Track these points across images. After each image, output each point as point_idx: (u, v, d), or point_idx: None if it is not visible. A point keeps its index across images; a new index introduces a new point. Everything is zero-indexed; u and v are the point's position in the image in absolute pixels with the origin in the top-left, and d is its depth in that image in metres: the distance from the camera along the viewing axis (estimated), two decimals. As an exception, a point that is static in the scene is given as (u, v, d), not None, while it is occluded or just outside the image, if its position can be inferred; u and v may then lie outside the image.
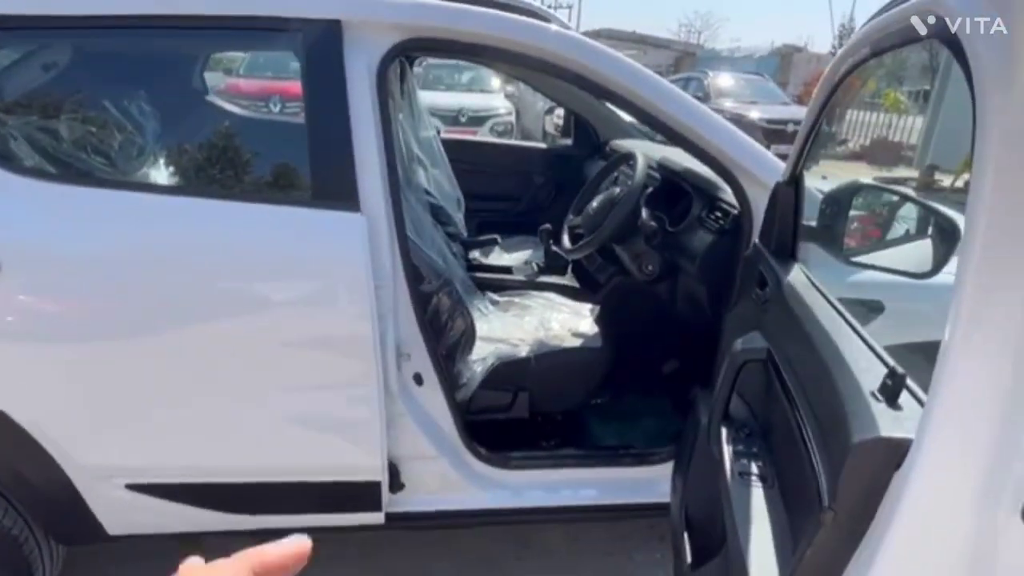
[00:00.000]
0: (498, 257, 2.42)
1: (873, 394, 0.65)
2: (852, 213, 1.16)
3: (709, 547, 1.08)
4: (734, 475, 0.97)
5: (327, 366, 1.35)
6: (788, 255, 1.23)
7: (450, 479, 1.56)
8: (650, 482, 1.69)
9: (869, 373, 0.70)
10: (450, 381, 1.57)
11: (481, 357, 1.74)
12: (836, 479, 0.61)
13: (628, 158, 1.87)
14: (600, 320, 1.91)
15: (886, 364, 0.71)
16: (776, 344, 1.06)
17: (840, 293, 1.06)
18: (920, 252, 1.07)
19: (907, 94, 11.77)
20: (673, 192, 1.87)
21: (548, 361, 1.72)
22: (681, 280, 1.73)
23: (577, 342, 1.80)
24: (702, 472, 1.26)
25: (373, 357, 1.32)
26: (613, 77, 1.39)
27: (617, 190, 1.80)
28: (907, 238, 1.18)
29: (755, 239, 1.36)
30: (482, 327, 1.84)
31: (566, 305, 2.00)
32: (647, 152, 1.85)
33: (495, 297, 2.05)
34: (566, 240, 1.95)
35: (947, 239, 1.05)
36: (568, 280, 2.20)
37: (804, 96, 14.11)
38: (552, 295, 2.07)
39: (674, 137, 1.44)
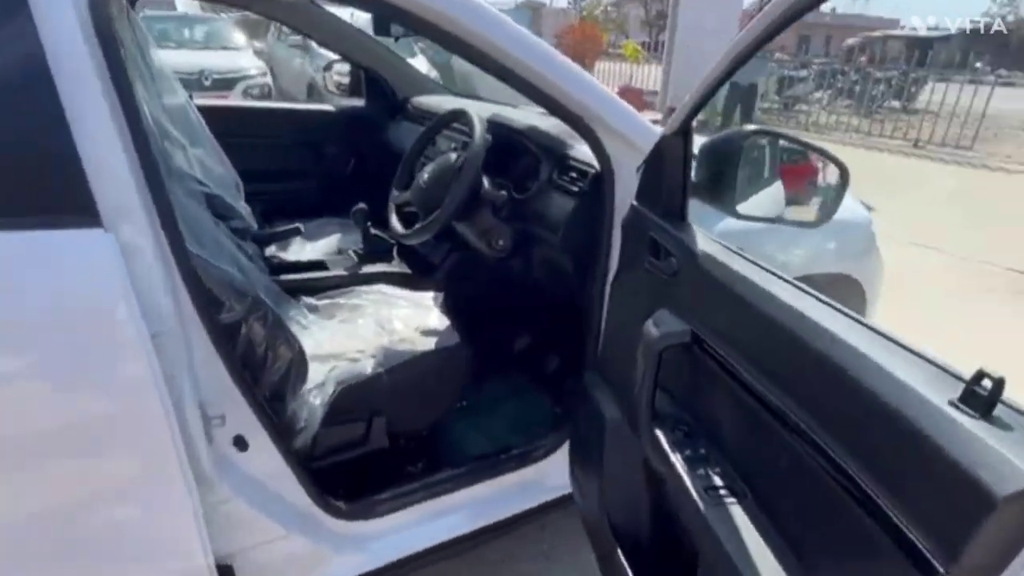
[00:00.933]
0: (301, 250, 1.97)
1: (958, 407, 0.51)
2: (743, 163, 1.05)
3: (665, 571, 0.92)
4: (699, 492, 0.81)
5: (97, 466, 0.88)
6: (678, 217, 1.09)
7: (307, 556, 1.20)
8: (538, 482, 1.51)
9: (919, 374, 0.56)
10: (284, 432, 1.18)
11: (317, 384, 1.36)
12: (954, 536, 0.46)
13: (457, 117, 1.59)
14: (448, 309, 1.64)
15: (934, 363, 0.57)
16: (706, 325, 0.91)
17: (750, 253, 0.94)
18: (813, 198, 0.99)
19: (641, 44, 13.15)
20: (510, 154, 1.64)
21: (402, 373, 1.41)
22: (538, 252, 1.54)
23: (430, 341, 1.51)
24: (625, 477, 1.10)
25: (168, 436, 0.89)
26: (442, 10, 1.08)
27: (453, 156, 1.51)
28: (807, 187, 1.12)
29: (632, 201, 1.20)
30: (307, 344, 1.45)
31: (404, 297, 1.68)
32: (475, 109, 1.58)
33: (312, 302, 1.64)
34: (396, 223, 1.61)
35: (839, 183, 0.99)
36: (397, 266, 1.87)
37: (558, 47, 14.94)
38: (384, 287, 1.73)
39: (518, 83, 1.19)
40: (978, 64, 13.53)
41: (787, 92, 12.05)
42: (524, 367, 1.88)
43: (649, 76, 12.18)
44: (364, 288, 1.71)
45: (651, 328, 0.99)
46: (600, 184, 1.33)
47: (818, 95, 11.78)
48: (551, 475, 1.50)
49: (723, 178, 1.06)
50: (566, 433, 1.50)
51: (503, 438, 1.59)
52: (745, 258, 0.90)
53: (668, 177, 1.06)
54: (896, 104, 11.93)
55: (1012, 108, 10.25)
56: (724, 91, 8.64)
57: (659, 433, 0.93)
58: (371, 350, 1.46)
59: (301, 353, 1.27)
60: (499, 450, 1.52)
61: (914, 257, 4.37)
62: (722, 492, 0.79)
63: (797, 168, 1.44)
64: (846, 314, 0.70)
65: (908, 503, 0.52)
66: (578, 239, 1.38)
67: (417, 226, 1.48)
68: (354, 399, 1.35)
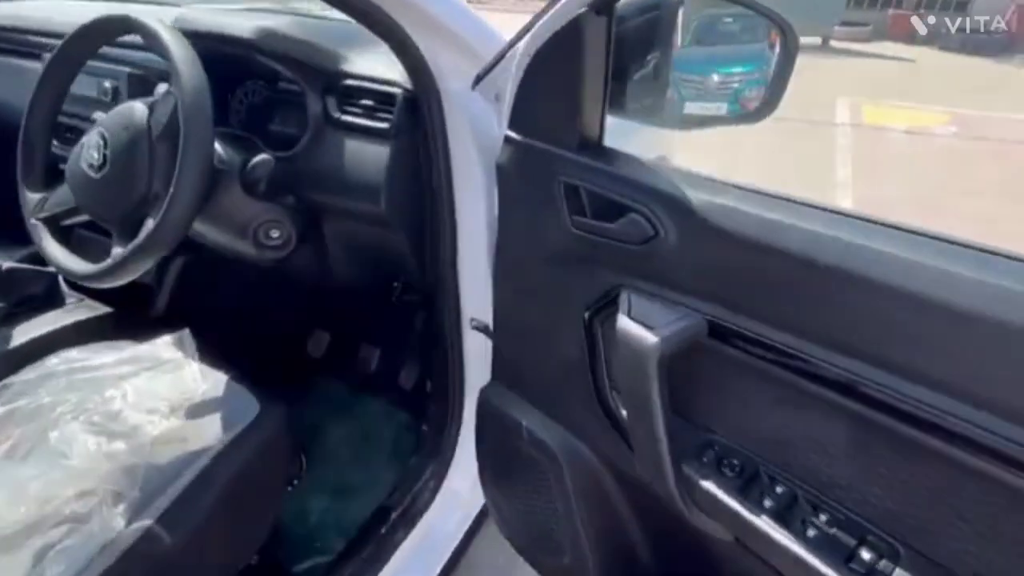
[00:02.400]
0: None
1: None
2: (680, 44, 0.70)
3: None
4: (838, 570, 0.53)
5: None
6: (596, 143, 0.71)
7: None
8: (432, 538, 1.12)
9: None
10: None
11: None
12: None
13: (115, 29, 0.86)
14: (208, 351, 1.03)
15: None
16: (738, 309, 0.59)
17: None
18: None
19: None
20: (237, 86, 1.00)
21: (183, 511, 0.82)
22: (343, 233, 1.00)
23: (210, 424, 0.92)
24: (627, 542, 0.78)
25: None
26: None
27: (141, 110, 0.81)
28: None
29: (505, 130, 0.77)
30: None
31: (127, 360, 0.99)
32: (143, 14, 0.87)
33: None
34: (58, 252, 0.86)
35: (783, 54, 0.72)
36: (79, 308, 1.11)
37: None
38: (71, 355, 1.00)
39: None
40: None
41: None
42: (363, 391, 1.39)
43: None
44: (31, 368, 0.96)
45: (636, 330, 0.63)
46: (419, 113, 0.86)
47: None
48: (446, 517, 1.13)
49: (653, 71, 0.70)
50: (446, 454, 1.12)
51: (370, 503, 1.12)
52: (770, 195, 0.59)
53: (581, 82, 0.66)
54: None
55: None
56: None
57: (707, 485, 0.62)
58: (107, 485, 0.82)
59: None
60: (373, 522, 1.06)
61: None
62: (867, 557, 0.54)
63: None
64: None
65: None
66: (414, 204, 0.91)
67: (118, 254, 0.79)
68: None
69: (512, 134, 0.76)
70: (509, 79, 0.74)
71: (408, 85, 0.86)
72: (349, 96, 0.91)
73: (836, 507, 0.58)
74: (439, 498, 1.11)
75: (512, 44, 0.73)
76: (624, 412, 0.72)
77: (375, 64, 0.91)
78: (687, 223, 0.61)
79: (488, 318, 0.97)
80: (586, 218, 0.70)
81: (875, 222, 0.54)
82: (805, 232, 0.55)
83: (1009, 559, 0.49)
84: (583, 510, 0.81)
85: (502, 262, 0.84)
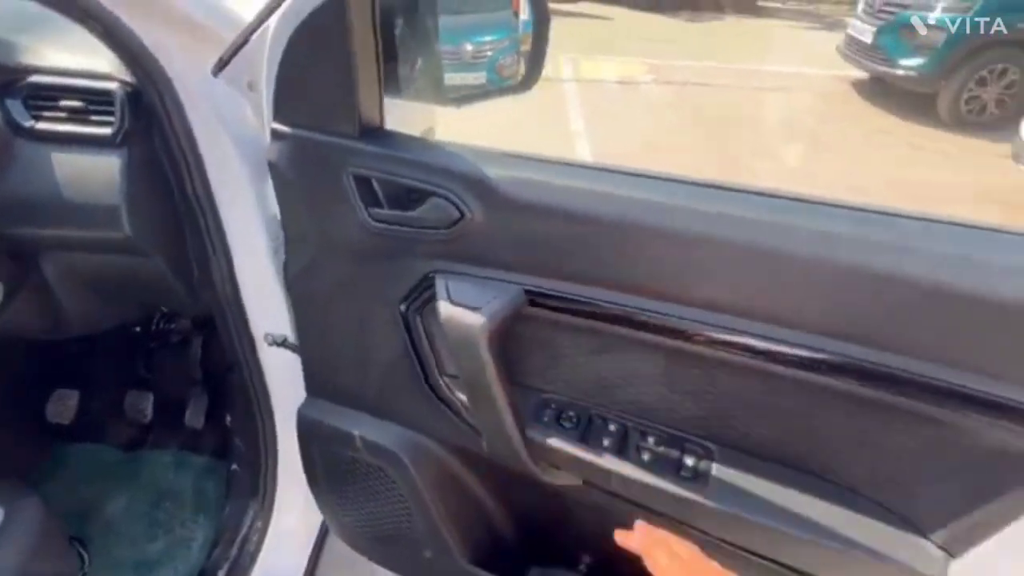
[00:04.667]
0: None
1: None
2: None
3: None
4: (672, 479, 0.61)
5: None
6: (378, 127, 0.67)
7: None
8: None
9: None
10: None
11: None
12: None
13: None
14: None
15: None
16: (554, 275, 0.62)
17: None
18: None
19: None
20: None
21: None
22: (74, 268, 0.79)
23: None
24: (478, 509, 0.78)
25: None
26: None
27: None
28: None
29: (269, 121, 0.67)
30: None
31: None
32: None
33: None
34: None
35: (536, 26, 0.75)
36: None
37: None
38: None
39: None
40: None
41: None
42: (139, 446, 1.15)
43: None
44: None
45: (460, 313, 0.63)
46: (150, 111, 0.72)
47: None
48: (282, 553, 1.02)
49: (419, 44, 0.67)
50: (267, 490, 1.01)
51: (185, 570, 0.96)
52: (566, 164, 0.61)
53: (352, 63, 0.60)
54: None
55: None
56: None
57: (552, 441, 0.65)
58: None
59: None
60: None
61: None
62: (690, 463, 0.62)
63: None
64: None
65: None
66: (167, 220, 0.76)
67: None
68: None
69: (280, 127, 0.67)
70: (263, 63, 0.65)
71: (127, 77, 0.71)
72: (41, 98, 0.71)
73: (659, 428, 0.65)
74: (269, 538, 1.00)
75: (260, 22, 0.64)
76: (460, 395, 0.71)
77: (74, 53, 0.73)
78: (492, 201, 0.61)
79: (286, 330, 0.88)
80: (384, 209, 0.66)
81: (659, 178, 0.60)
82: (604, 196, 0.58)
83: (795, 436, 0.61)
84: (437, 501, 0.80)
85: (294, 267, 0.76)
